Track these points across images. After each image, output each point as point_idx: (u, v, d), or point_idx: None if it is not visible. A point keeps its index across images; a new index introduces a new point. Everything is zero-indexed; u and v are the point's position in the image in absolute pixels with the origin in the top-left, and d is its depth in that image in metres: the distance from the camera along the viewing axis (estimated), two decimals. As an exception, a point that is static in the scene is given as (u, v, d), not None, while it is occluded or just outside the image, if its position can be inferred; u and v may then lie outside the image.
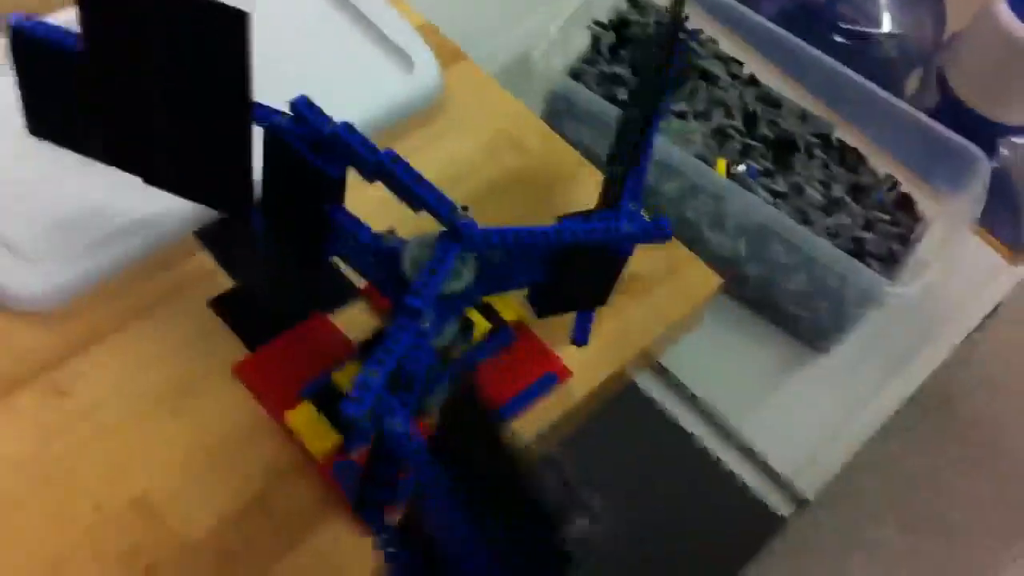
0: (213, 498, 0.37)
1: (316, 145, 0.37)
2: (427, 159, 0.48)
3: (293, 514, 0.37)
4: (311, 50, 0.49)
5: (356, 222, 0.38)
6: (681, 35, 0.60)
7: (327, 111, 0.47)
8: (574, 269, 0.40)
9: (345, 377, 0.40)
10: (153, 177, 0.39)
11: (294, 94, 0.47)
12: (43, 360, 0.39)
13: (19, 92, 0.38)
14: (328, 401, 0.39)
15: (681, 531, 0.53)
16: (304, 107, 0.37)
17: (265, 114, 0.37)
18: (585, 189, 0.49)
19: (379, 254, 0.38)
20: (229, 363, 0.40)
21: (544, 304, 0.42)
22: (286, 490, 0.38)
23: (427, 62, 0.49)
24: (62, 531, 0.35)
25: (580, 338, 0.44)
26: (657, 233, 0.40)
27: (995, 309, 1.29)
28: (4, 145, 0.42)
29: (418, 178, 0.36)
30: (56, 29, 0.36)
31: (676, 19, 0.42)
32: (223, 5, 0.33)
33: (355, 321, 0.43)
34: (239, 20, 0.33)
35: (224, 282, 0.42)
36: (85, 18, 0.35)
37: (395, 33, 0.50)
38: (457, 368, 0.41)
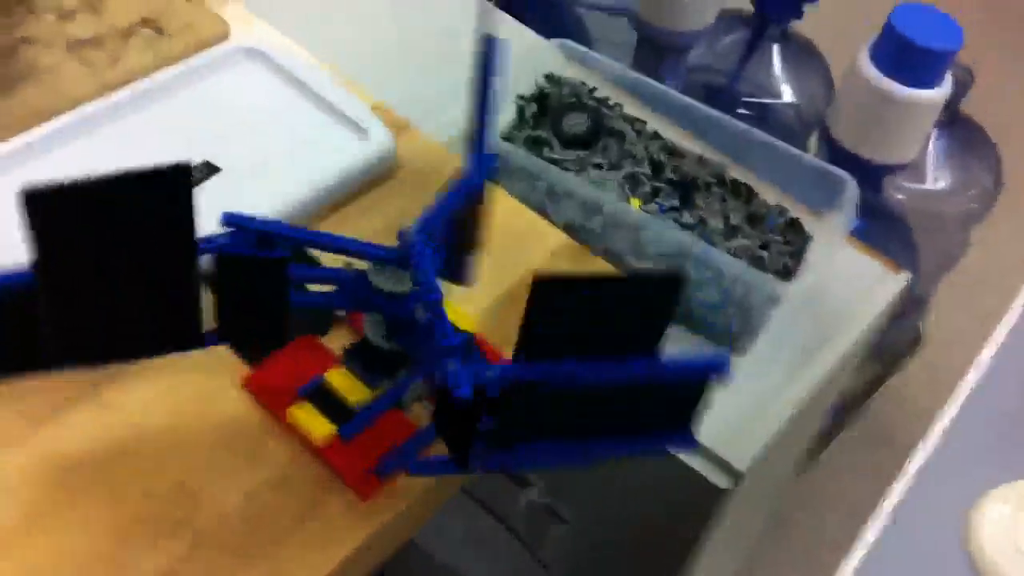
0: (237, 479, 0.45)
1: (256, 243, 0.42)
2: (382, 213, 0.58)
3: (304, 490, 0.46)
4: (280, 129, 0.59)
5: (314, 269, 0.47)
6: (590, 101, 0.71)
7: (292, 177, 0.56)
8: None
9: (335, 376, 0.48)
10: (113, 355, 0.41)
11: (261, 165, 0.57)
12: (88, 382, 0.47)
13: None
14: (322, 397, 0.48)
15: (640, 510, 0.62)
16: (232, 218, 0.42)
17: (207, 244, 0.40)
18: (512, 223, 0.60)
19: (345, 284, 0.46)
20: (238, 378, 0.49)
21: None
22: (296, 472, 0.46)
23: (380, 131, 0.59)
24: (119, 511, 0.43)
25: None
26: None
27: (918, 339, 1.39)
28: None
29: (342, 239, 0.45)
30: None
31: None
32: (163, 168, 0.36)
33: (338, 340, 0.51)
34: (181, 172, 0.36)
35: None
36: (36, 237, 0.36)
37: (349, 108, 0.59)
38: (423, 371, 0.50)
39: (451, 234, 0.49)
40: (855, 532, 0.57)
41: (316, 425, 0.47)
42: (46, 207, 0.35)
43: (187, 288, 0.40)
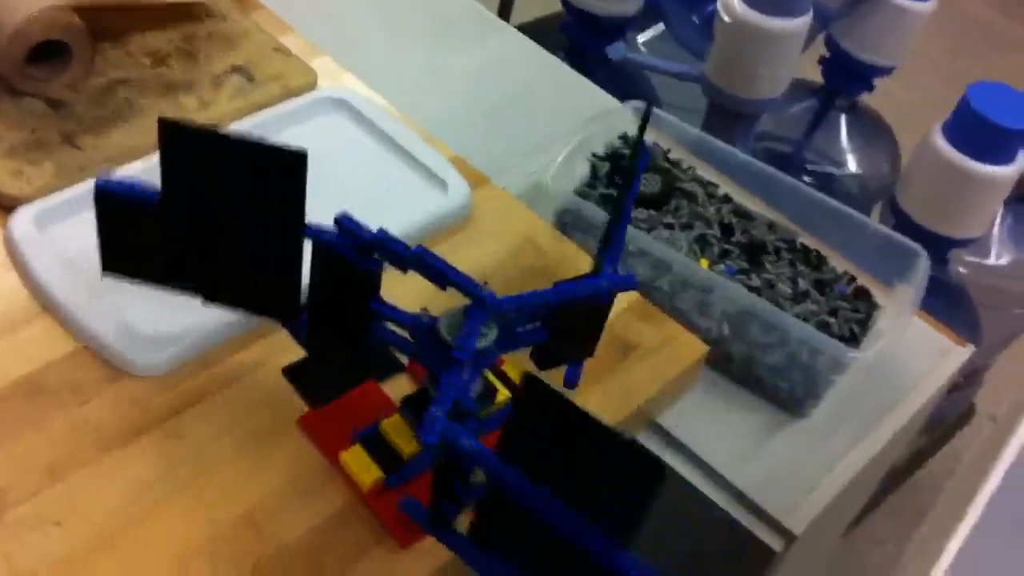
0: (298, 515, 0.44)
1: (357, 249, 0.43)
2: (459, 259, 0.56)
3: (357, 531, 0.44)
4: (362, 177, 0.58)
5: (395, 309, 0.45)
6: (663, 163, 0.70)
7: (371, 224, 0.56)
8: (568, 324, 0.47)
9: (391, 426, 0.46)
10: (214, 296, 0.45)
11: (341, 212, 0.56)
12: (162, 411, 0.46)
13: (98, 238, 0.43)
14: (376, 444, 0.46)
15: (690, 570, 0.60)
16: (346, 221, 0.43)
17: (314, 231, 0.43)
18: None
19: (417, 329, 0.44)
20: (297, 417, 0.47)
21: (544, 359, 0.48)
22: (351, 513, 0.45)
23: (458, 183, 0.58)
24: (185, 537, 0.42)
25: (570, 381, 0.50)
26: (627, 283, 0.47)
27: (970, 412, 1.34)
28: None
29: (445, 263, 0.44)
30: (132, 184, 0.42)
31: (637, 147, 0.48)
32: (285, 149, 0.39)
33: (399, 388, 0.50)
34: (299, 159, 0.39)
35: (296, 354, 0.49)
36: (166, 167, 0.40)
37: (429, 160, 0.58)
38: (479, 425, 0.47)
39: (562, 328, 0.47)
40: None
41: (365, 471, 0.45)
42: (179, 141, 0.39)
43: (290, 260, 0.42)
